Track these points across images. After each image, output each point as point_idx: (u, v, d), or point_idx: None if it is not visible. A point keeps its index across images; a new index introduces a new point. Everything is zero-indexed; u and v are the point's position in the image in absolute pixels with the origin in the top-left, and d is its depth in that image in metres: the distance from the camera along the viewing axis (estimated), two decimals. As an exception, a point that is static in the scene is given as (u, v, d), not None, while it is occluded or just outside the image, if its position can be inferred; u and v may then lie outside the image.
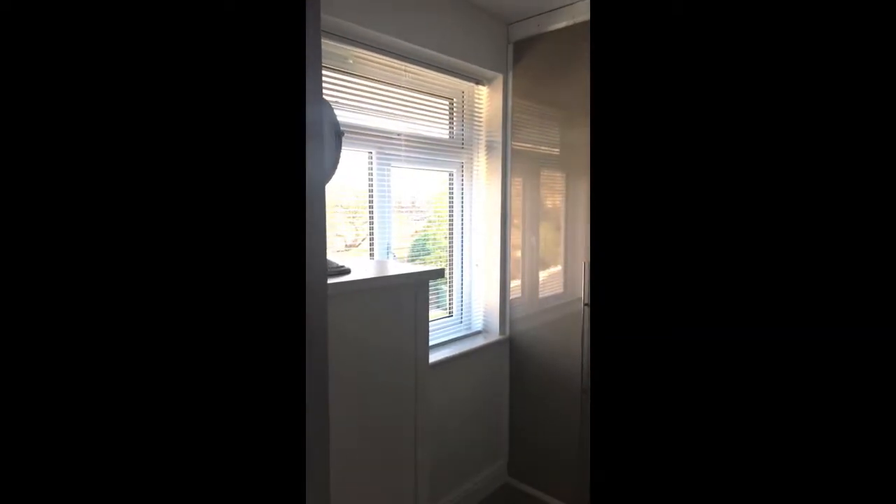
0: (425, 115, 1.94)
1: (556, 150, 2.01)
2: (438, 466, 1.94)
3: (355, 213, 1.78)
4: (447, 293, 2.17)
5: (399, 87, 1.81)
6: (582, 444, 1.97)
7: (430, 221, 2.09)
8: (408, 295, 1.17)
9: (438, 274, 1.23)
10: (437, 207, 2.11)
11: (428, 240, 2.09)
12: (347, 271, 1.10)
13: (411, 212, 2.00)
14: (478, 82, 2.12)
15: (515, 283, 2.19)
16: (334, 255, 1.70)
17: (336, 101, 1.61)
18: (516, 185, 2.14)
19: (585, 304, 1.92)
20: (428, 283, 1.21)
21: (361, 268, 1.20)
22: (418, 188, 1.99)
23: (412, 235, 2.01)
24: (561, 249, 2.02)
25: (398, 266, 1.29)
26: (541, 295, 2.10)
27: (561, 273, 2.03)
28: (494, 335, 2.20)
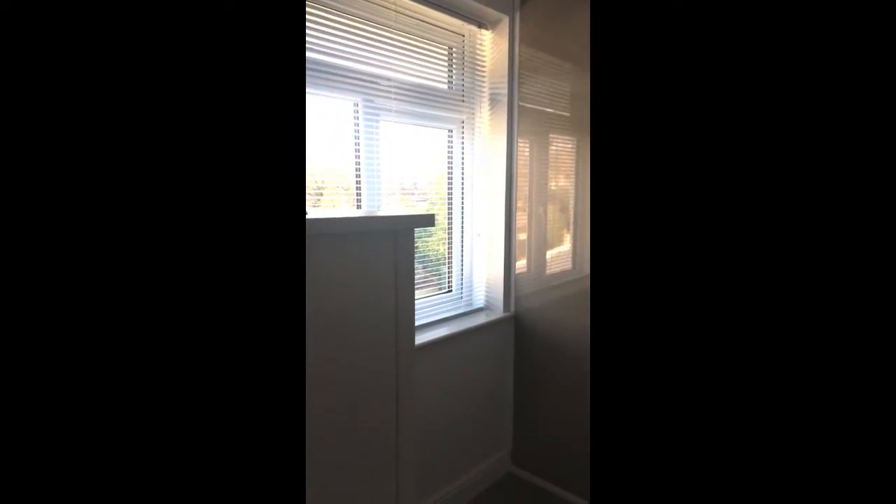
0: (421, 62, 1.70)
1: (566, 113, 1.77)
2: (436, 456, 1.76)
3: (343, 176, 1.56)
4: (446, 266, 1.96)
5: (390, 27, 1.57)
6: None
7: (431, 203, 1.88)
8: (386, 247, 0.95)
9: (428, 220, 1.01)
10: (437, 188, 1.89)
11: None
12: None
13: (413, 194, 1.79)
14: (480, 25, 1.87)
15: (521, 259, 1.97)
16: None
17: (313, 41, 1.38)
18: (523, 147, 1.91)
19: (600, 277, 1.70)
20: (412, 232, 0.98)
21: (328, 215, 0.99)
22: (419, 170, 1.77)
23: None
24: (570, 221, 1.80)
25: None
26: (548, 271, 1.89)
27: (570, 247, 1.81)
28: (498, 312, 2.00)
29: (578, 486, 1.85)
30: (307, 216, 0.88)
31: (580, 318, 1.78)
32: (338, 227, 0.85)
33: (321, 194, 1.53)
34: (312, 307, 0.82)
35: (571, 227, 1.80)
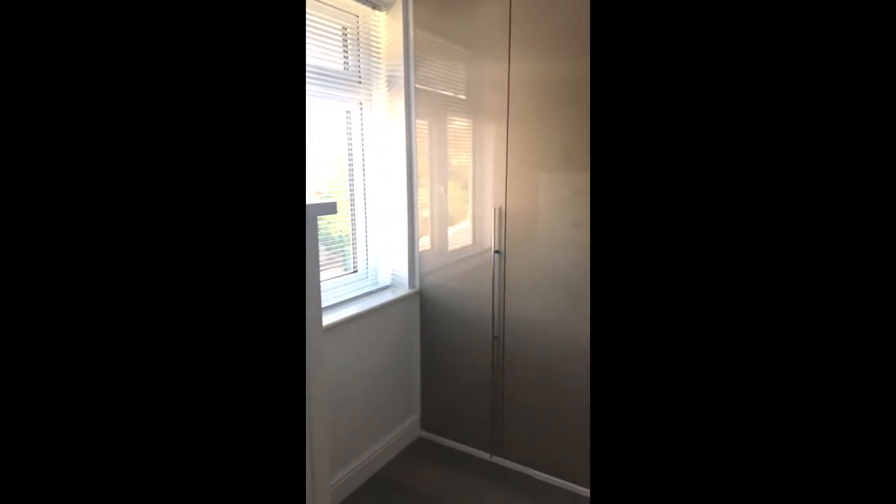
0: (314, 41, 1.67)
1: (462, 96, 1.86)
2: (350, 429, 1.83)
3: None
4: (351, 247, 1.99)
5: None
6: (495, 389, 1.96)
7: (332, 183, 1.87)
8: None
9: (330, 209, 1.04)
10: (339, 169, 1.89)
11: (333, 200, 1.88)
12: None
13: (312, 174, 1.77)
14: (374, 6, 1.88)
15: (425, 236, 2.06)
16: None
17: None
18: (422, 127, 1.97)
19: (496, 252, 1.85)
20: (315, 220, 1.02)
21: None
22: (317, 151, 1.74)
23: (317, 195, 1.79)
24: (470, 198, 1.91)
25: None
26: (451, 247, 2.00)
27: (470, 223, 1.93)
28: (404, 289, 2.08)
29: (486, 442, 2.04)
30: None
31: (482, 289, 1.93)
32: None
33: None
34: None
35: (471, 203, 1.92)
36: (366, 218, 2.02)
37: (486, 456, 2.03)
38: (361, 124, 1.93)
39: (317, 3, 1.66)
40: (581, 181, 1.62)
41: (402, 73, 1.93)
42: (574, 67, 1.57)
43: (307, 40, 1.64)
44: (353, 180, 1.95)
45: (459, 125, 1.91)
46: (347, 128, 1.90)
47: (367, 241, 2.04)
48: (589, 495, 1.79)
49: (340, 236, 1.96)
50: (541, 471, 1.90)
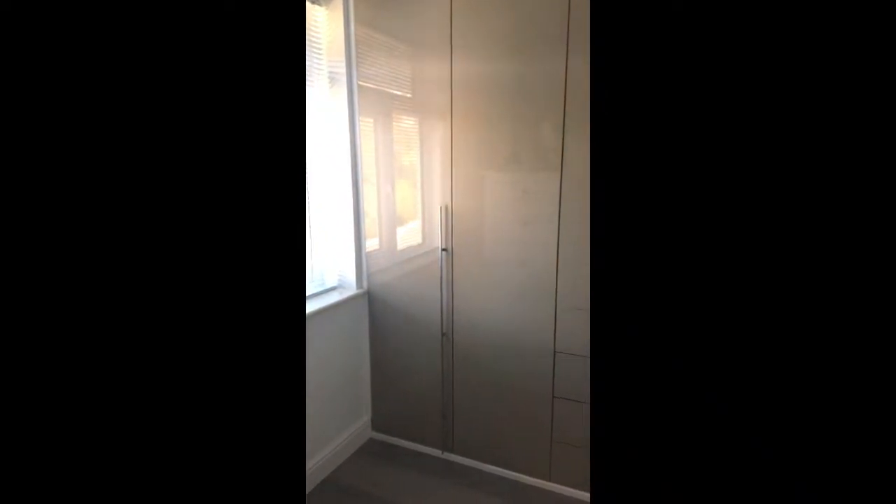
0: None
1: (408, 94, 1.85)
2: (295, 435, 1.78)
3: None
4: (294, 248, 1.94)
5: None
6: (445, 386, 1.97)
7: None
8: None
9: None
10: None
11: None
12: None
13: None
14: (313, 1, 1.83)
15: (374, 237, 2.04)
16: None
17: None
18: (366, 125, 1.95)
19: (443, 250, 1.86)
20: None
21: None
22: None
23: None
24: (419, 197, 1.91)
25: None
26: (399, 246, 1.99)
27: (420, 222, 1.93)
28: (351, 290, 2.05)
29: (433, 439, 2.05)
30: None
31: (430, 288, 1.93)
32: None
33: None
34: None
35: (420, 202, 1.92)
36: (309, 218, 1.98)
37: (437, 453, 2.04)
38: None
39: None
40: (529, 180, 1.66)
41: (343, 70, 1.89)
42: (517, 67, 1.60)
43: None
44: (295, 179, 1.90)
45: (406, 123, 1.90)
46: (288, 125, 1.84)
47: (311, 242, 1.99)
48: (534, 483, 1.85)
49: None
50: (490, 464, 1.93)
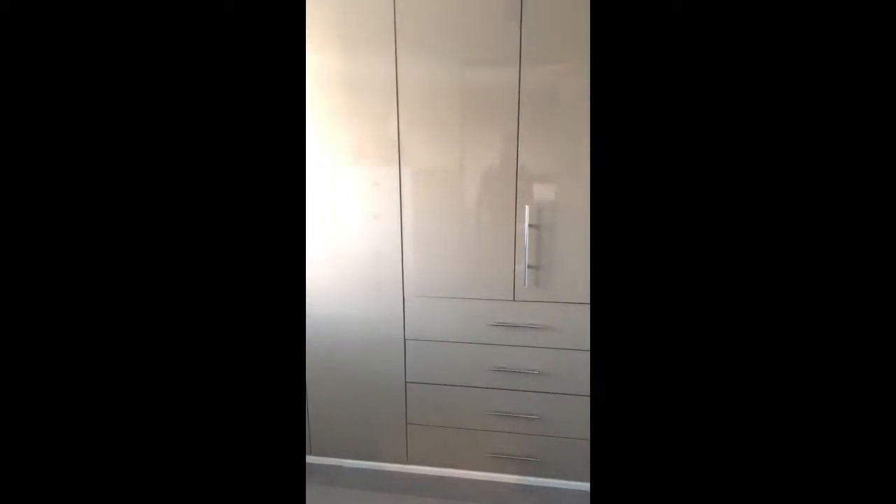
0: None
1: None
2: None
3: None
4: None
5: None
6: (310, 387, 1.93)
7: None
8: None
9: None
10: None
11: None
12: None
13: None
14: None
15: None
16: None
17: None
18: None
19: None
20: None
21: None
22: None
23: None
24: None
25: None
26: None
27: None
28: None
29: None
30: None
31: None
32: None
33: None
34: None
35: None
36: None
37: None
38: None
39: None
40: (376, 174, 1.68)
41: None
42: (345, 63, 1.62)
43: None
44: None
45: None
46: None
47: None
48: (392, 469, 1.90)
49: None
50: (350, 458, 1.94)
